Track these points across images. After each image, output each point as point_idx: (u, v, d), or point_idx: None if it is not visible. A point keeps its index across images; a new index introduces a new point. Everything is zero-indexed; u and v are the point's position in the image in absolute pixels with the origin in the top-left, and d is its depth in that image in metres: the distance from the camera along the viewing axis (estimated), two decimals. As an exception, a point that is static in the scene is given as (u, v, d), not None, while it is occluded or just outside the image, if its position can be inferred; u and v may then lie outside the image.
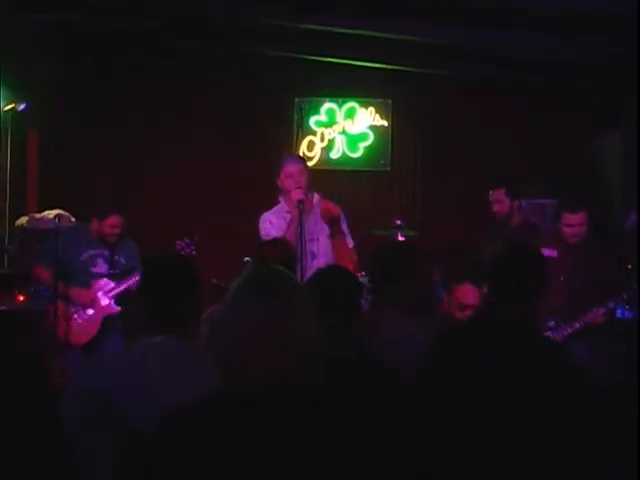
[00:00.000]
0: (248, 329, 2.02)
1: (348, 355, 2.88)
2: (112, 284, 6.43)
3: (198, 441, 2.00)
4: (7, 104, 8.37)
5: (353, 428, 2.09)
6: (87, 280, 6.44)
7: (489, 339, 3.10)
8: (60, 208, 8.01)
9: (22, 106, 8.45)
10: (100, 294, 6.39)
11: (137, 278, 6.09)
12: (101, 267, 6.49)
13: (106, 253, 6.50)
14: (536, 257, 3.36)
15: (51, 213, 7.96)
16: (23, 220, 8.33)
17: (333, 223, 5.70)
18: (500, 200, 6.81)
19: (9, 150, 8.69)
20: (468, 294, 5.05)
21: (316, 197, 5.95)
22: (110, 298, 6.41)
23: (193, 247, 6.26)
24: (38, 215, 8.28)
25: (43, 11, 7.80)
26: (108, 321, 6.40)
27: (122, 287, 6.40)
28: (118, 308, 6.40)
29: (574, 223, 5.98)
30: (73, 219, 7.92)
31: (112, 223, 6.46)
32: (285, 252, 4.76)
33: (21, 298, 7.30)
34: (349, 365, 2.77)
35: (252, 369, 2.00)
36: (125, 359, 3.06)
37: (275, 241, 5.12)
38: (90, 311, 6.37)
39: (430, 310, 3.91)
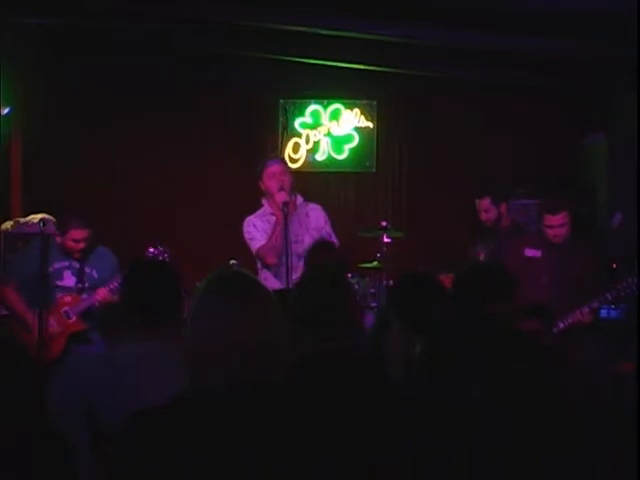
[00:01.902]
0: (214, 330, 2.06)
1: (330, 351, 2.91)
2: (80, 299, 5.94)
3: (164, 441, 2.02)
4: None
5: (325, 426, 2.13)
6: (53, 295, 5.94)
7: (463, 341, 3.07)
8: (45, 212, 7.87)
9: (6, 110, 8.43)
10: (66, 310, 5.92)
11: (104, 292, 5.83)
12: (69, 280, 5.98)
13: (76, 265, 5.99)
14: (497, 268, 3.63)
15: (36, 217, 7.95)
16: (8, 225, 8.29)
17: None
18: (487, 209, 6.84)
19: None
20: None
21: (299, 199, 5.98)
22: (76, 315, 5.91)
23: (166, 254, 5.97)
24: (23, 219, 8.27)
25: (32, 13, 7.75)
26: (74, 336, 5.91)
27: (86, 303, 5.92)
28: (84, 325, 5.92)
29: (554, 224, 5.98)
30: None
31: (74, 237, 5.91)
32: (339, 257, 4.87)
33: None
34: (329, 362, 2.81)
35: (218, 368, 2.04)
36: (107, 364, 3.06)
37: (328, 245, 5.21)
38: (54, 329, 5.85)
39: None
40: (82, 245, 5.90)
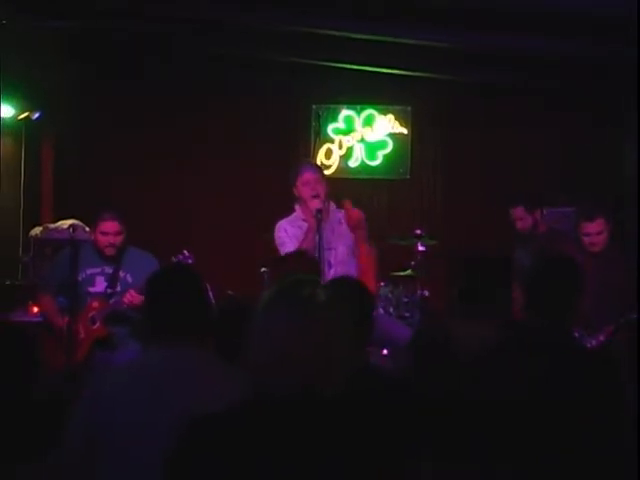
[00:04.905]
0: (278, 340, 2.09)
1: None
2: (107, 304, 5.88)
3: (224, 447, 2.06)
4: (21, 113, 8.39)
5: (373, 439, 2.14)
6: (84, 302, 5.88)
7: (530, 354, 3.15)
8: (75, 218, 7.95)
9: (36, 115, 8.47)
10: (92, 315, 5.87)
11: (132, 293, 5.76)
12: (100, 286, 5.93)
13: (109, 270, 5.93)
14: (575, 267, 3.47)
15: (65, 223, 7.95)
16: (37, 230, 8.35)
17: (358, 229, 5.70)
18: (521, 217, 6.85)
19: (23, 159, 8.80)
20: None
21: (332, 205, 5.97)
22: (100, 320, 5.85)
23: (190, 260, 5.85)
24: (52, 225, 8.32)
25: (56, 17, 7.75)
26: (98, 342, 5.86)
27: (111, 307, 5.87)
28: (107, 331, 5.86)
29: (591, 232, 5.98)
30: (87, 229, 7.80)
31: (103, 229, 5.90)
32: (309, 265, 4.76)
33: (35, 310, 7.24)
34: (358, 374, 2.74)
35: (279, 378, 2.07)
36: (124, 375, 3.00)
37: (298, 254, 5.14)
38: (80, 335, 5.79)
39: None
40: (113, 240, 5.85)
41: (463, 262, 3.97)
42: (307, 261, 4.81)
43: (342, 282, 3.79)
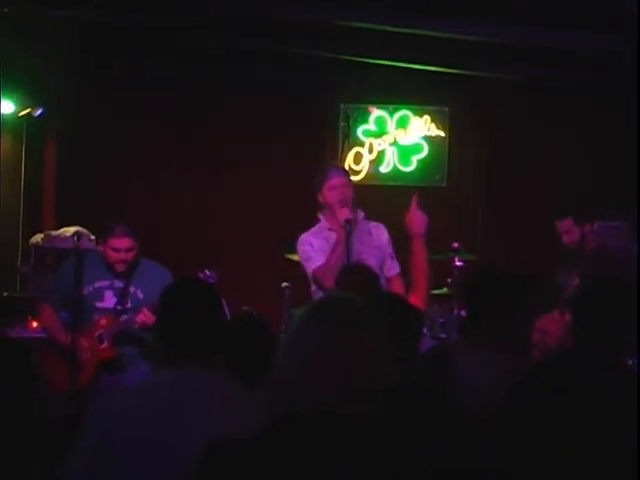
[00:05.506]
0: (305, 357, 2.13)
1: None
2: (116, 322, 5.70)
3: (251, 472, 2.07)
4: (22, 109, 8.27)
5: (406, 464, 2.14)
6: (90, 317, 5.74)
7: (578, 381, 2.96)
8: (78, 222, 7.95)
9: (39, 111, 8.35)
10: (100, 334, 5.68)
11: (146, 312, 5.56)
12: (109, 301, 5.73)
13: (119, 285, 5.72)
14: (628, 288, 3.34)
15: (69, 230, 7.89)
16: (38, 238, 8.25)
17: (419, 235, 5.56)
18: (569, 230, 6.70)
19: (24, 159, 8.71)
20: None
21: (360, 214, 5.78)
22: (108, 339, 5.66)
23: (212, 279, 5.68)
24: (55, 232, 8.20)
25: (60, 7, 7.68)
26: (105, 363, 5.70)
27: (121, 326, 5.67)
28: (114, 352, 5.67)
29: None
30: (93, 237, 7.79)
31: (114, 245, 5.66)
32: (368, 279, 4.70)
33: (35, 325, 7.09)
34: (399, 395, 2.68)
35: (309, 395, 2.09)
36: (141, 397, 2.91)
37: (358, 268, 5.05)
38: (86, 355, 5.65)
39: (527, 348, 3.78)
40: (124, 256, 5.66)
41: (467, 285, 3.91)
42: (368, 277, 4.72)
43: (382, 298, 3.76)
